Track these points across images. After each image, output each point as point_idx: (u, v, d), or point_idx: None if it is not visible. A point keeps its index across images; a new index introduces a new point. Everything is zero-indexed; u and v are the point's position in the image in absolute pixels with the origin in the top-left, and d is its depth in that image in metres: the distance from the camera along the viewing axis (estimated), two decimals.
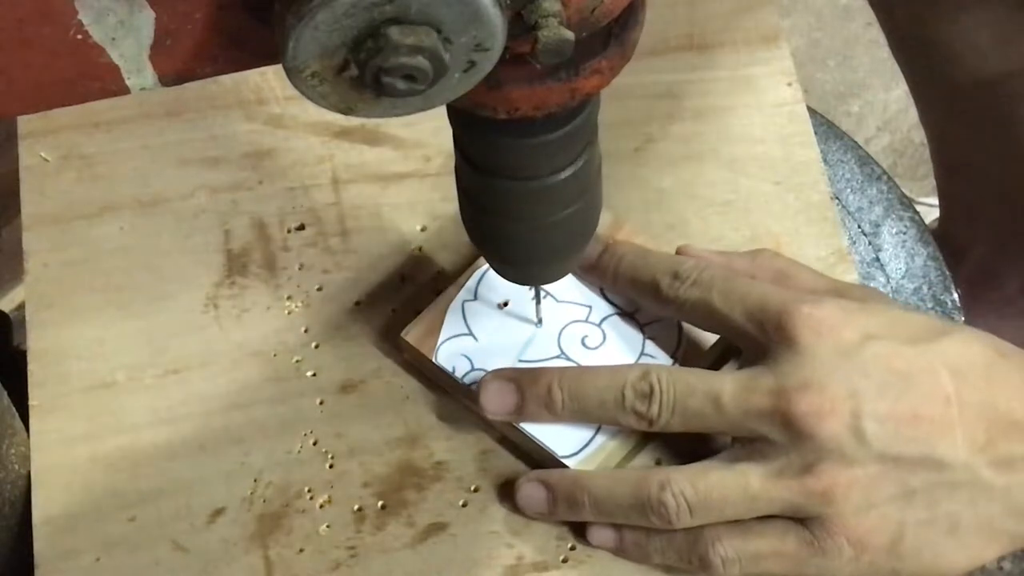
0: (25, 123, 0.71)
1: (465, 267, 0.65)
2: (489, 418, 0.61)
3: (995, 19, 0.86)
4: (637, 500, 0.57)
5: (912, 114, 1.56)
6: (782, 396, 0.55)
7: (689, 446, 0.60)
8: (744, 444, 0.56)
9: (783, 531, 0.56)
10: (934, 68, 0.95)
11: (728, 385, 0.56)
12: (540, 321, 0.64)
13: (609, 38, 0.43)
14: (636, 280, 0.62)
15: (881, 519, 0.55)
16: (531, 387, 0.60)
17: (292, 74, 0.38)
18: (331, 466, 0.63)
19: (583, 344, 0.63)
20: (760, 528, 0.56)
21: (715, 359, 0.63)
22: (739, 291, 0.58)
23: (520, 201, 0.50)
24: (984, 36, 0.88)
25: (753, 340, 0.58)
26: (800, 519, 0.56)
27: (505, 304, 0.64)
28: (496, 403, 0.60)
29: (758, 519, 0.57)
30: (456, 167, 0.51)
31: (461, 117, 0.47)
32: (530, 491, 0.60)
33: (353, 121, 0.71)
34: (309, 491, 0.62)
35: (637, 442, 0.61)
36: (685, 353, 0.63)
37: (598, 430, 0.61)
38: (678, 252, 0.63)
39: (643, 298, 0.62)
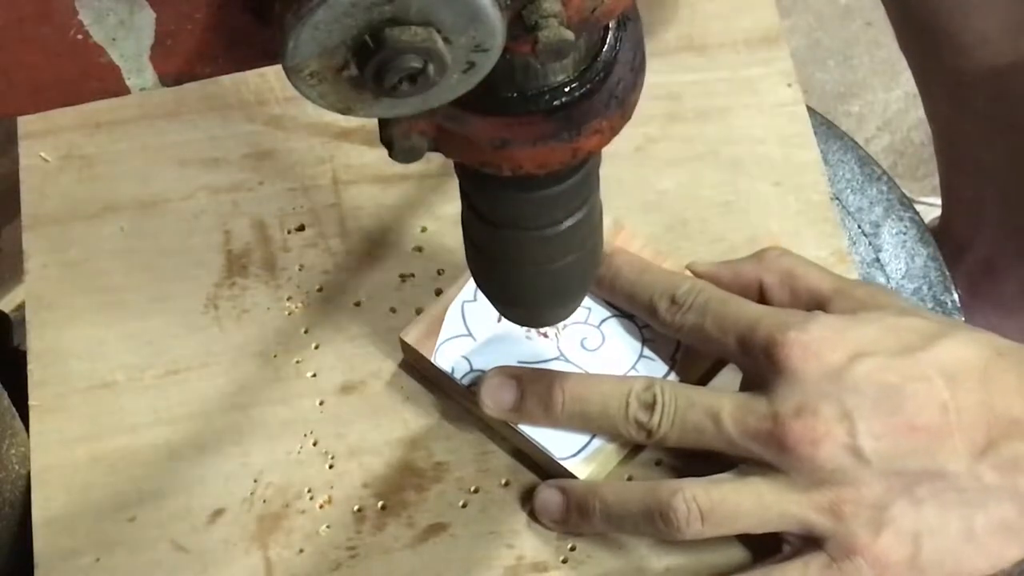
0: (25, 123, 0.71)
1: (465, 268, 0.65)
2: (487, 414, 0.61)
3: (1006, 8, 0.86)
4: (646, 506, 0.57)
5: (912, 114, 1.56)
6: (777, 422, 0.55)
7: (689, 449, 0.60)
8: (751, 463, 0.56)
9: (804, 561, 0.56)
10: (943, 59, 0.95)
11: (728, 404, 0.57)
12: None
13: (610, 100, 0.44)
14: (633, 298, 0.62)
15: (895, 535, 0.54)
16: (532, 386, 0.60)
17: (292, 74, 0.38)
18: (331, 466, 0.63)
19: (582, 346, 0.63)
20: (782, 566, 0.56)
21: (714, 362, 0.63)
22: (731, 317, 0.59)
23: (524, 249, 0.51)
24: (994, 26, 0.87)
25: (747, 365, 0.58)
26: (818, 544, 0.55)
27: None
28: (495, 399, 0.60)
29: (778, 559, 0.57)
30: (462, 217, 0.52)
31: (467, 172, 0.48)
32: (547, 496, 0.60)
33: (353, 122, 0.71)
34: (309, 491, 0.62)
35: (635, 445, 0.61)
36: (684, 355, 0.63)
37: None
38: (688, 269, 0.63)
39: (640, 315, 0.63)
